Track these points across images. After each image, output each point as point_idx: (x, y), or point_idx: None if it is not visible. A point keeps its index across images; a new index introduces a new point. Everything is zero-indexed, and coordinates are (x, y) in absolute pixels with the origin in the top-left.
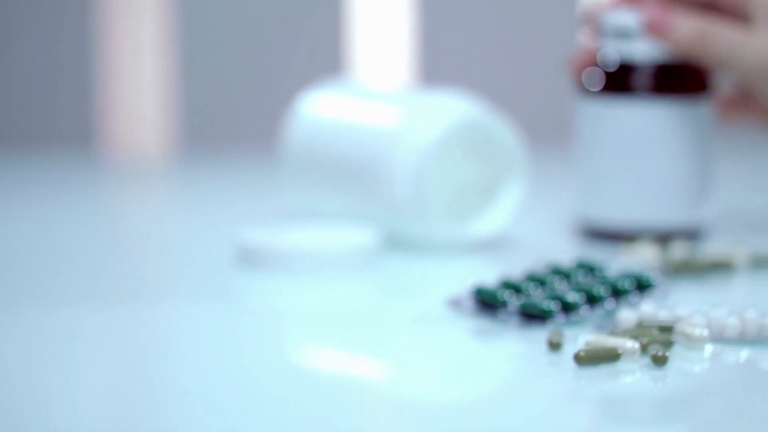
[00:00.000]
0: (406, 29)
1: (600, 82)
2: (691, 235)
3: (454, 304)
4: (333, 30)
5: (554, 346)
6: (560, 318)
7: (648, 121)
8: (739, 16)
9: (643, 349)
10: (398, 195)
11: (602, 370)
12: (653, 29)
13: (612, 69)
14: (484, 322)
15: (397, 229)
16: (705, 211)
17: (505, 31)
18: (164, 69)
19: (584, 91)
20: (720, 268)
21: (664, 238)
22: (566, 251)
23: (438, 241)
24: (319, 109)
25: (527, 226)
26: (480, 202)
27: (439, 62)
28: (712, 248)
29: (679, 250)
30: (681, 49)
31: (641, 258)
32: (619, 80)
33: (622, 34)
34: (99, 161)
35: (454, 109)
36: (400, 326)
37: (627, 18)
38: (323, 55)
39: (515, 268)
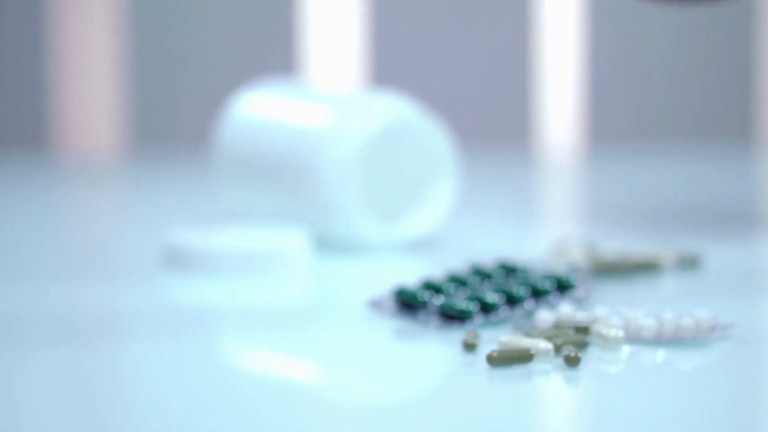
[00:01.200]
0: (357, 31)
1: None
2: None
3: (375, 305)
4: (285, 31)
5: (469, 347)
6: (479, 319)
7: None
8: None
9: (557, 349)
10: (327, 196)
11: (515, 371)
12: None
13: None
14: (406, 323)
15: (326, 230)
16: None
17: (455, 34)
18: (116, 69)
19: None
20: (647, 269)
21: None
22: (496, 252)
23: (368, 242)
24: (250, 109)
25: (459, 226)
26: (410, 202)
27: (390, 64)
28: (640, 249)
29: (607, 251)
30: None
31: (570, 259)
32: None
33: None
34: (48, 160)
35: (382, 110)
36: (323, 327)
37: None
38: (275, 56)
39: (444, 268)
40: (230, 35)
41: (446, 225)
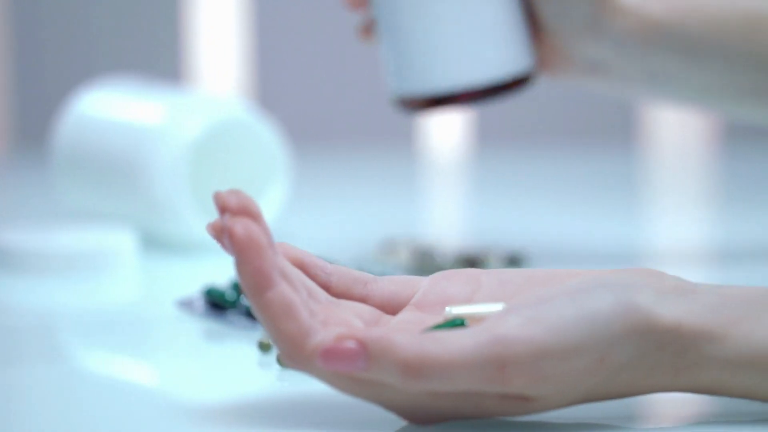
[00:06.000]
0: (239, 39)
1: None
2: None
3: (185, 305)
4: (172, 36)
5: (264, 347)
6: None
7: None
8: None
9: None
10: (156, 194)
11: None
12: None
13: None
14: (215, 323)
15: (158, 228)
16: (532, 58)
17: (341, 39)
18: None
19: None
20: (472, 267)
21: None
22: (322, 251)
23: (198, 241)
24: (88, 108)
25: (293, 226)
26: None
27: (273, 70)
28: (468, 248)
29: (435, 251)
30: None
31: (396, 260)
32: None
33: None
34: None
35: (214, 110)
36: (137, 328)
37: None
38: (162, 64)
39: None
40: (116, 38)
41: (280, 224)
